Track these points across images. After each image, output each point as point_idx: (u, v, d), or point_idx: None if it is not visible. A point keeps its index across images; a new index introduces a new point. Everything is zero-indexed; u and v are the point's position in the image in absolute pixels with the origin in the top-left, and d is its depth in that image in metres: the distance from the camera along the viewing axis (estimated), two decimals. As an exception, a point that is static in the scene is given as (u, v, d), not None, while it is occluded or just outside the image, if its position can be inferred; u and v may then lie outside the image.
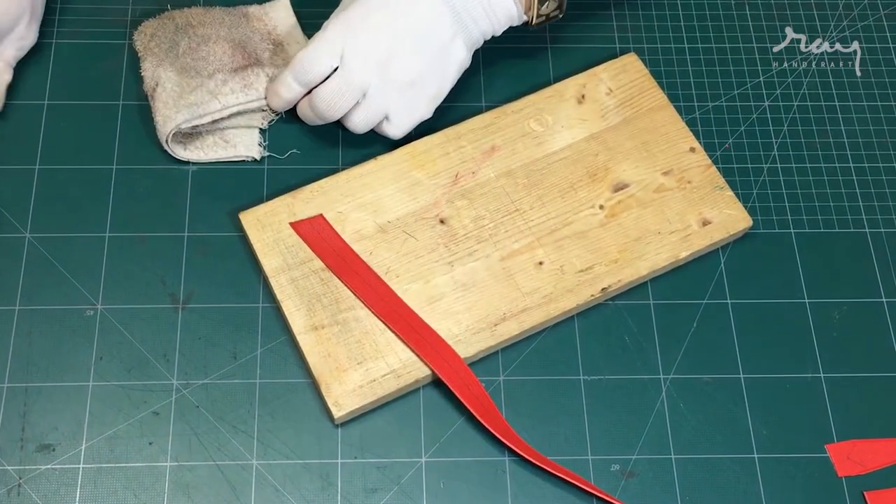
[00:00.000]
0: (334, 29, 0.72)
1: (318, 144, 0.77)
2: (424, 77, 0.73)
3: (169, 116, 0.73)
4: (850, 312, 0.74)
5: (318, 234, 0.72)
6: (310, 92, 0.74)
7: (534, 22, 0.76)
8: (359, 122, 0.74)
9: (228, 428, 0.67)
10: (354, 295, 0.70)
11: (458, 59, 0.74)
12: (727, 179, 0.76)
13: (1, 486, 0.64)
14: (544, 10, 0.76)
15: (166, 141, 0.74)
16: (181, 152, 0.75)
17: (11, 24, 0.75)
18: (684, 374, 0.71)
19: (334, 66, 0.72)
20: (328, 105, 0.72)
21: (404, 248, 0.72)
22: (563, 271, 0.72)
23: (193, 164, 0.76)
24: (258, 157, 0.76)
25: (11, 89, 0.77)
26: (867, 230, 0.77)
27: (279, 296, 0.70)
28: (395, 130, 0.75)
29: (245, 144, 0.76)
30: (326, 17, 0.74)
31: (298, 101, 0.75)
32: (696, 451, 0.68)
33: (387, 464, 0.67)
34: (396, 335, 0.69)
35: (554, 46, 0.83)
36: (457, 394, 0.67)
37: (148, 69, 0.76)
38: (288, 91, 0.73)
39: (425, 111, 0.75)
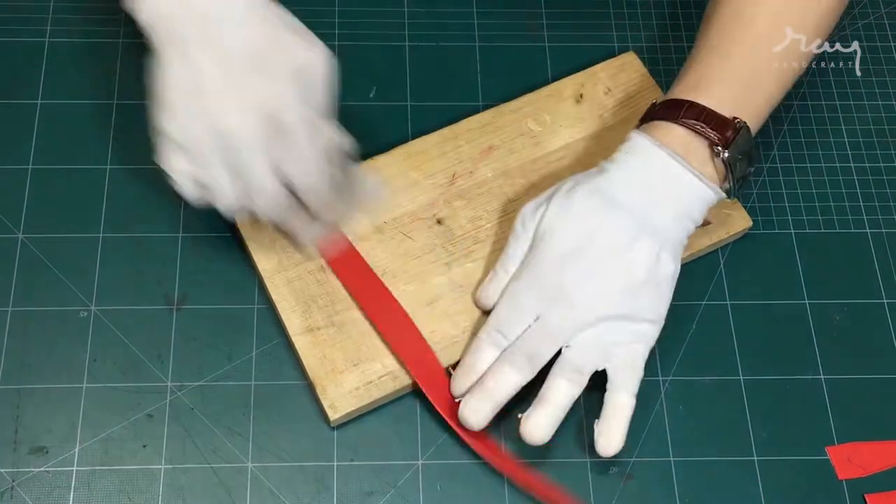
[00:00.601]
0: (525, 291, 0.65)
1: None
2: (637, 311, 0.65)
3: None
4: (851, 313, 0.73)
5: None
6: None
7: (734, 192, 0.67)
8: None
9: (223, 430, 0.67)
10: (348, 293, 0.69)
11: (667, 273, 0.65)
12: (727, 179, 0.76)
13: (-7, 489, 0.64)
14: (738, 173, 0.66)
15: None
16: None
17: None
18: (683, 375, 0.70)
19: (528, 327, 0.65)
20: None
21: (401, 249, 0.72)
22: (562, 272, 0.71)
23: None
24: None
25: (6, 89, 0.77)
26: (867, 230, 0.77)
27: (275, 297, 0.69)
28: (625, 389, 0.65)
29: None
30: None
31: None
32: (696, 454, 0.68)
33: (383, 466, 0.67)
34: (381, 338, 0.68)
35: (552, 45, 0.82)
36: (437, 409, 0.66)
37: None
38: (482, 355, 0.65)
39: (650, 342, 0.66)
